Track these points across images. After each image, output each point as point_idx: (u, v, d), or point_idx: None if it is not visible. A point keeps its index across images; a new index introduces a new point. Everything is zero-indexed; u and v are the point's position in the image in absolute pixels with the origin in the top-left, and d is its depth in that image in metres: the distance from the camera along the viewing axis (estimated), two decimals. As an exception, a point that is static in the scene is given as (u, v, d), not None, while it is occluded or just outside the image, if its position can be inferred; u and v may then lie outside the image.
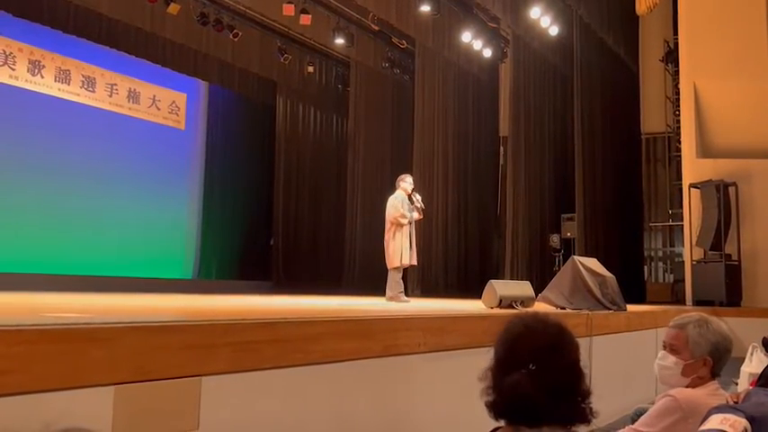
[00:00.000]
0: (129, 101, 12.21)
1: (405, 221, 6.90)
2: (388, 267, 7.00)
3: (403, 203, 6.97)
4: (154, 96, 12.68)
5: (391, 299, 6.89)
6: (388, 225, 7.00)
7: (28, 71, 10.72)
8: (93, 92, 11.65)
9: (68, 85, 11.28)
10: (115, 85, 11.99)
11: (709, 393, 2.12)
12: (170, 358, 2.04)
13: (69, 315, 2.84)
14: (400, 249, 6.87)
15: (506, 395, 1.42)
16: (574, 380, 1.45)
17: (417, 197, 7.15)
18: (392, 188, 7.28)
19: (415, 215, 7.02)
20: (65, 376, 1.77)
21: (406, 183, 7.12)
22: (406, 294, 7.19)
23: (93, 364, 1.83)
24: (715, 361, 2.19)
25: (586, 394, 1.46)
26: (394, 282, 6.94)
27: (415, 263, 7.20)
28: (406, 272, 7.37)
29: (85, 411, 1.81)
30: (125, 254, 11.48)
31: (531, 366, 1.42)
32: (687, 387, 2.20)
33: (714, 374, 2.21)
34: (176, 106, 13.16)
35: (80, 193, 11.12)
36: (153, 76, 12.49)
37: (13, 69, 10.53)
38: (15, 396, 1.66)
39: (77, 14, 10.75)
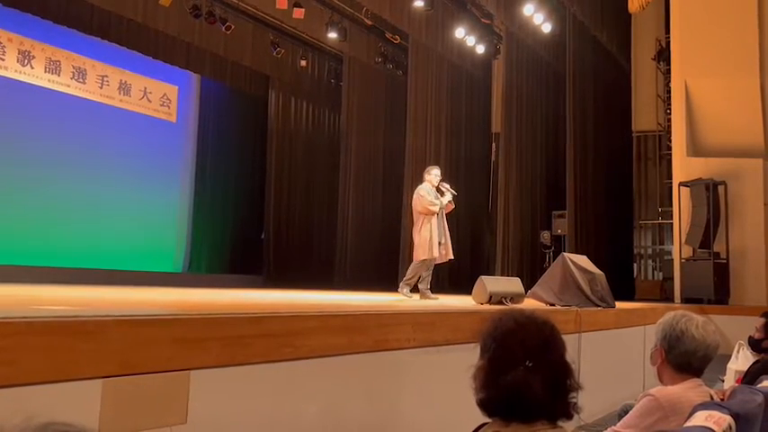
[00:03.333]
0: (120, 93, 12.13)
1: (435, 208, 6.49)
2: (414, 259, 6.65)
3: (429, 194, 6.58)
4: (145, 88, 12.61)
5: (423, 295, 6.61)
6: (416, 217, 6.64)
7: (17, 61, 10.62)
8: (84, 83, 11.56)
9: (59, 76, 11.18)
10: (106, 76, 11.91)
11: (689, 390, 2.14)
12: (159, 352, 2.04)
13: (58, 308, 2.83)
14: (428, 242, 6.47)
15: (506, 393, 1.43)
16: (567, 375, 1.47)
17: (446, 186, 6.72)
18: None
19: (445, 200, 6.58)
20: (52, 369, 1.76)
21: (432, 175, 6.71)
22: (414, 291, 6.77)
23: (81, 356, 1.83)
24: (666, 351, 2.20)
25: (576, 389, 1.47)
26: (411, 272, 6.61)
27: (451, 257, 6.74)
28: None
29: (73, 404, 1.81)
30: (115, 247, 11.43)
31: (527, 363, 1.42)
32: (665, 384, 2.22)
33: (677, 366, 2.20)
34: (168, 99, 13.09)
35: (70, 186, 11.05)
36: (144, 68, 12.41)
37: (3, 60, 10.43)
38: (2, 389, 1.65)
39: (68, 5, 10.65)
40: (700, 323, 2.20)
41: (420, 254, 6.56)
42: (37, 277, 8.62)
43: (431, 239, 6.50)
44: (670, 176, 10.96)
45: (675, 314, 2.25)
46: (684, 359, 2.17)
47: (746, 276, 9.13)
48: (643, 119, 13.75)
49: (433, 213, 6.54)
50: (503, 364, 1.44)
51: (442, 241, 6.64)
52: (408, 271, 6.70)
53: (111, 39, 11.41)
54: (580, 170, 11.12)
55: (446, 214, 6.78)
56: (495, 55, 13.72)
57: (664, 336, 2.21)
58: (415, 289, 6.74)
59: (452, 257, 6.79)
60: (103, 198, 11.45)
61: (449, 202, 6.70)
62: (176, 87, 13.25)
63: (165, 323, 2.11)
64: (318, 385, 2.69)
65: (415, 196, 6.69)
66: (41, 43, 10.93)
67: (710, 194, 9.15)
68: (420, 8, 11.45)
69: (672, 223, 10.47)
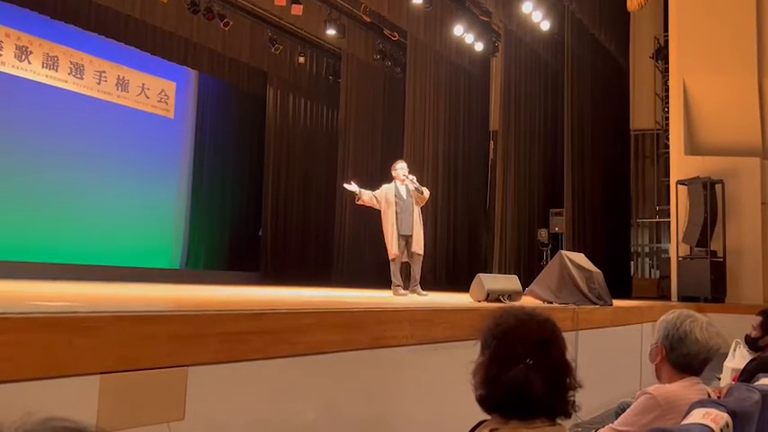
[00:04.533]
0: (117, 89, 12.10)
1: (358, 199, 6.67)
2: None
3: (387, 194, 6.67)
4: (143, 84, 12.58)
5: (411, 291, 6.66)
6: None
7: (15, 57, 10.58)
8: (82, 79, 11.53)
9: (56, 71, 11.15)
10: (104, 72, 11.88)
11: (687, 388, 2.14)
12: (156, 348, 2.04)
13: (56, 304, 2.83)
14: (388, 240, 6.60)
15: (506, 390, 1.43)
16: (567, 373, 1.47)
17: (411, 178, 6.75)
18: (383, 181, 7.11)
19: (361, 194, 6.64)
20: (50, 365, 1.76)
21: (396, 170, 6.79)
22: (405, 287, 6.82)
23: (79, 352, 1.82)
24: (667, 350, 2.20)
25: (575, 387, 1.47)
26: (392, 275, 6.64)
27: (416, 251, 6.69)
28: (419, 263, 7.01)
29: (71, 400, 1.81)
30: (112, 243, 11.41)
31: (528, 361, 1.43)
32: (663, 382, 2.23)
33: (677, 366, 2.20)
34: (166, 95, 13.06)
35: (67, 182, 11.03)
36: (142, 64, 12.37)
37: (0, 55, 10.40)
38: (0, 385, 1.65)
39: (66, 0, 10.62)
40: (704, 325, 2.20)
41: (389, 254, 6.64)
42: (33, 273, 8.60)
43: (390, 236, 6.57)
44: (668, 175, 10.97)
45: (680, 314, 2.24)
46: (685, 360, 2.17)
47: (743, 275, 9.14)
48: (641, 117, 13.75)
49: (386, 214, 6.59)
50: (503, 361, 1.44)
51: (410, 233, 6.66)
52: (392, 276, 6.72)
53: (109, 34, 11.37)
54: (578, 168, 11.12)
55: (420, 208, 6.82)
56: (493, 53, 13.71)
57: (666, 335, 2.21)
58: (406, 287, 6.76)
59: (420, 252, 6.74)
60: (101, 194, 11.43)
61: (420, 194, 6.69)
62: (174, 83, 13.22)
63: (162, 319, 2.11)
64: (316, 382, 2.69)
65: None
66: (39, 39, 10.89)
67: (708, 193, 9.15)
68: (418, 5, 11.43)
69: (669, 221, 10.48)
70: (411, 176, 6.79)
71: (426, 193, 6.80)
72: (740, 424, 1.74)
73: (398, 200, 6.68)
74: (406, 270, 7.03)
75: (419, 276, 6.77)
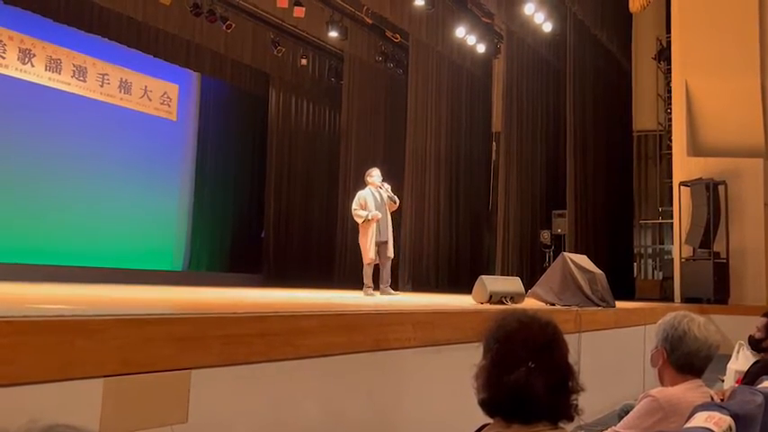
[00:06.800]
0: (120, 91, 12.12)
1: (359, 221, 6.82)
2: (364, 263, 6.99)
3: (366, 200, 6.85)
4: (145, 87, 12.60)
5: (383, 292, 6.88)
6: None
7: (18, 59, 10.61)
8: (84, 81, 11.55)
9: (59, 74, 11.18)
10: (106, 74, 11.90)
11: (690, 391, 2.14)
12: (159, 351, 2.04)
13: (58, 306, 2.83)
14: (365, 247, 6.81)
15: (508, 393, 1.43)
16: (569, 376, 1.47)
17: (387, 187, 7.02)
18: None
19: (370, 214, 6.80)
20: (52, 368, 1.76)
21: (372, 177, 6.99)
22: (395, 288, 7.14)
23: (81, 356, 1.83)
24: (668, 352, 2.20)
25: (577, 391, 1.47)
26: (365, 278, 6.91)
27: (391, 255, 7.01)
28: (395, 266, 7.34)
29: (73, 404, 1.81)
30: (115, 245, 11.43)
31: (530, 364, 1.43)
32: (666, 385, 2.22)
33: (679, 367, 2.20)
34: (168, 97, 13.08)
35: (70, 184, 11.05)
36: (145, 67, 12.40)
37: (4, 58, 10.43)
38: (2, 388, 1.65)
39: (68, 3, 10.65)
40: (702, 323, 2.20)
41: (364, 258, 6.88)
42: (35, 275, 8.61)
43: (368, 243, 6.79)
44: (670, 176, 10.95)
45: (676, 315, 2.25)
46: (687, 360, 2.17)
47: (746, 276, 9.13)
48: (643, 118, 13.74)
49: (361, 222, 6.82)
50: (505, 365, 1.44)
51: (386, 240, 6.92)
52: (364, 277, 6.95)
53: (111, 37, 11.40)
54: (580, 169, 11.11)
55: (390, 213, 7.06)
56: (495, 54, 13.70)
57: (665, 337, 2.21)
58: (376, 288, 6.99)
59: (392, 256, 7.06)
60: (103, 196, 11.45)
61: (391, 201, 6.96)
62: (177, 86, 13.24)
63: (165, 322, 2.11)
64: (319, 384, 2.69)
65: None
66: (42, 41, 10.92)
67: (711, 194, 9.14)
68: (420, 7, 11.43)
69: (672, 223, 10.46)
70: (386, 185, 7.06)
71: (397, 201, 7.09)
72: (743, 427, 1.73)
73: (376, 206, 6.89)
74: (375, 272, 7.21)
75: (390, 277, 7.06)
